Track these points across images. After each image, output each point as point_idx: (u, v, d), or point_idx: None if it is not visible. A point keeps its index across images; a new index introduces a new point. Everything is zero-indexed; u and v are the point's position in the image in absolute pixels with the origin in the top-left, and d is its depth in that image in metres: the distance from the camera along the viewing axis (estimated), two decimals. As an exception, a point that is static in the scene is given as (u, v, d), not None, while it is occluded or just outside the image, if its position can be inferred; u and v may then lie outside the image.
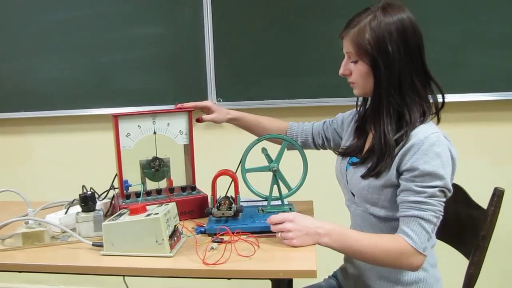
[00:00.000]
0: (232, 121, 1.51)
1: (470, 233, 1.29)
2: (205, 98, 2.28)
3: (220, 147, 2.34)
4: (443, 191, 1.10)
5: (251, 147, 1.30)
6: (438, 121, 1.21)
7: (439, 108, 1.21)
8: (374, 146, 1.18)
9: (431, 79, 1.19)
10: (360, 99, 1.32)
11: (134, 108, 2.31)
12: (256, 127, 1.52)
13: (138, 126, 1.38)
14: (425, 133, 1.11)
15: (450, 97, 2.11)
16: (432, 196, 1.08)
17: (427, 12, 2.09)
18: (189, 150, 1.45)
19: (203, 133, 2.35)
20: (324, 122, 1.52)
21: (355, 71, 1.19)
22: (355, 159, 1.27)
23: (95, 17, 2.29)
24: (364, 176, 1.19)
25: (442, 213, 1.10)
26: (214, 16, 2.22)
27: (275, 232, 1.15)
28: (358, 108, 1.34)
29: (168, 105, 2.27)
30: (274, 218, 1.14)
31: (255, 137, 1.34)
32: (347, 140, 1.37)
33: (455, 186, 1.37)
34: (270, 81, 2.24)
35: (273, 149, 1.33)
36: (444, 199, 1.11)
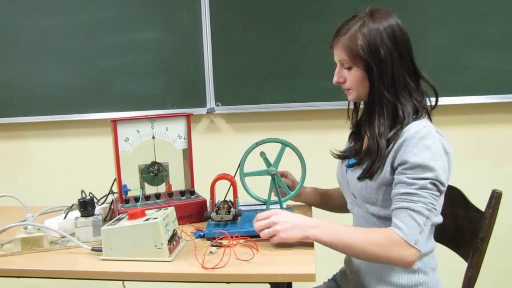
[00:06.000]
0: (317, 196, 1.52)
1: (468, 235, 1.30)
2: (204, 102, 2.28)
3: (218, 151, 2.34)
4: (434, 184, 1.09)
5: (249, 151, 1.30)
6: (430, 120, 1.22)
7: (433, 106, 1.24)
8: (369, 148, 1.20)
9: (422, 78, 1.21)
10: (351, 105, 1.35)
11: (133, 112, 2.31)
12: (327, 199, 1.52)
13: (137, 130, 1.38)
14: (416, 128, 1.13)
15: (449, 100, 2.14)
16: (422, 188, 1.08)
17: (426, 15, 2.10)
18: (187, 154, 1.46)
19: (202, 137, 2.36)
20: None
21: (350, 78, 1.22)
22: (353, 161, 1.29)
23: (93, 22, 2.30)
24: (360, 178, 1.21)
25: (435, 207, 1.10)
26: (213, 20, 2.23)
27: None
28: (351, 115, 1.37)
29: (166, 109, 2.28)
30: (260, 215, 1.14)
31: (254, 142, 1.34)
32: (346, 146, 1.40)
33: (454, 188, 1.38)
34: (269, 85, 2.25)
35: (272, 153, 1.33)
36: (438, 193, 1.10)
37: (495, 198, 1.20)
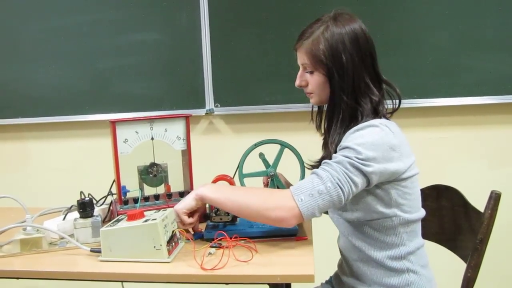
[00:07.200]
0: None
1: (467, 236, 1.30)
2: (202, 103, 2.29)
3: (217, 152, 2.34)
4: (353, 165, 1.06)
5: (248, 152, 1.31)
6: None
7: (395, 109, 1.25)
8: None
9: (384, 82, 1.21)
10: (315, 108, 1.35)
11: (132, 114, 2.31)
12: None
13: (136, 132, 1.38)
14: (360, 124, 1.13)
15: (448, 101, 2.15)
16: (339, 162, 1.07)
17: (426, 16, 2.10)
18: (186, 155, 1.45)
19: (201, 138, 2.36)
20: None
21: (312, 82, 1.23)
22: None
23: (92, 23, 2.30)
24: None
25: (341, 184, 1.05)
26: (211, 21, 2.23)
27: (272, 237, 1.17)
28: (315, 118, 1.36)
29: (165, 110, 2.28)
30: None
31: (253, 143, 1.34)
32: None
33: (452, 189, 1.38)
34: (268, 86, 2.25)
35: (271, 154, 1.33)
36: (356, 177, 1.06)
37: (494, 199, 1.20)
